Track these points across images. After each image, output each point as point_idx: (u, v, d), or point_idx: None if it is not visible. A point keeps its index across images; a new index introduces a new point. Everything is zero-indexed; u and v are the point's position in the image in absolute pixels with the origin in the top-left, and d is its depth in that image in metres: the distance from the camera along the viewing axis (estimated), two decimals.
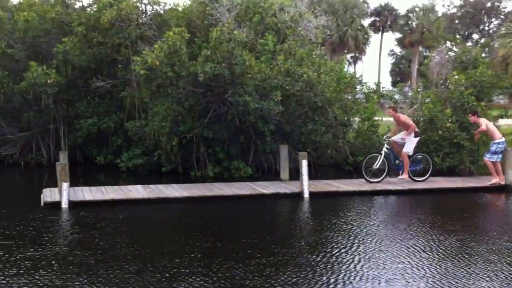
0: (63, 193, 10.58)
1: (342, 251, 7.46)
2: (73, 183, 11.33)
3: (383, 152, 12.82)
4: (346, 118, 15.43)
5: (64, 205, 10.52)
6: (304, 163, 11.59)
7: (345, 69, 17.47)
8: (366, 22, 58.37)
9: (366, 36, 57.03)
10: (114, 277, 6.38)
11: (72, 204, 10.58)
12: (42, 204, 10.82)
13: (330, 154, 15.90)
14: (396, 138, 13.20)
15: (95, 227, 9.08)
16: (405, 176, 12.94)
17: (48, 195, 11.11)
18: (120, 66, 16.59)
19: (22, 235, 8.52)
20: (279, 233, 8.80)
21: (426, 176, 13.10)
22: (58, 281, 6.23)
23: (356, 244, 7.77)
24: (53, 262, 7.03)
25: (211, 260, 6.98)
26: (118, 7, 15.28)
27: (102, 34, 15.69)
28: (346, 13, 52.38)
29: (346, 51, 51.42)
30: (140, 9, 16.15)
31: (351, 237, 8.21)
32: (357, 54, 58.81)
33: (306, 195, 11.40)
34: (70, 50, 15.71)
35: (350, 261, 6.97)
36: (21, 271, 6.57)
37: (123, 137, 16.04)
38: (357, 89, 17.04)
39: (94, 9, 16.86)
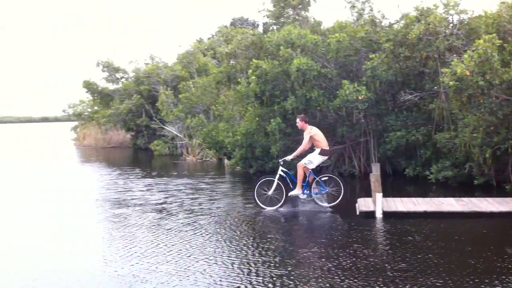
0: (377, 203, 11.20)
1: None
2: (385, 193, 11.86)
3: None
4: None
5: (379, 214, 11.13)
6: None
7: None
8: None
9: None
10: None
11: (386, 214, 11.12)
12: (357, 213, 11.63)
13: None
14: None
15: (406, 238, 9.38)
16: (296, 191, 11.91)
17: (363, 204, 11.88)
18: (427, 78, 16.68)
19: (337, 242, 9.40)
20: None
21: (336, 202, 12.05)
22: None
23: None
24: (363, 270, 7.57)
25: None
26: (426, 21, 15.35)
27: (409, 48, 15.95)
28: None
29: None
30: (448, 19, 15.83)
31: None
32: None
33: None
34: (378, 66, 16.39)
35: None
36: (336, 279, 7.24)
37: (432, 149, 16.01)
38: None
39: (401, 25, 17.31)
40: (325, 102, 17.19)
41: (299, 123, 12.86)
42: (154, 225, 11.16)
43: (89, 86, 39.05)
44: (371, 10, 20.72)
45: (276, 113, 17.95)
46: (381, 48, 16.85)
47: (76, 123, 49.09)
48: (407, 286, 6.88)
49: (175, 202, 13.86)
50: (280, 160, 12.77)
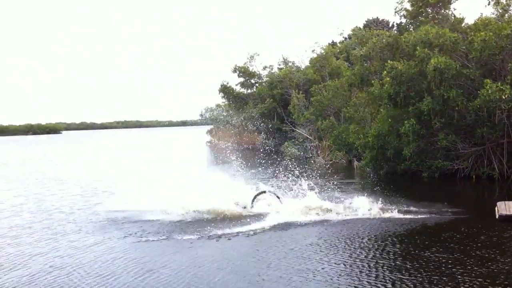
0: None
1: None
2: None
3: None
4: None
5: None
6: None
7: None
8: None
9: None
10: None
11: None
12: (496, 216, 11.04)
13: None
14: None
15: None
16: None
17: (503, 208, 11.24)
18: None
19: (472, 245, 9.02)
20: None
21: None
22: None
23: None
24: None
25: None
26: None
27: None
28: None
29: None
30: None
31: None
32: None
33: None
34: None
35: None
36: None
37: None
38: None
39: None
40: (464, 102, 16.49)
41: None
42: None
43: (225, 90, 41.03)
44: None
45: (410, 115, 17.58)
46: None
47: (211, 126, 51.87)
48: None
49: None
50: None
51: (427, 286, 6.92)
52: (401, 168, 18.37)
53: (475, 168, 17.38)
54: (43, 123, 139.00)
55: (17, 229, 11.48)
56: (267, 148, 37.81)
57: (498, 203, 11.67)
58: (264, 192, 13.57)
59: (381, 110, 20.08)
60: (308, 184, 13.85)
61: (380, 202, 13.03)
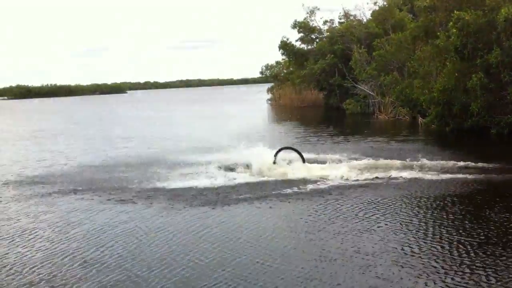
0: None
1: None
2: None
3: None
4: None
5: None
6: None
7: None
8: None
9: None
10: None
11: None
12: None
13: None
14: None
15: None
16: None
17: None
18: None
19: None
20: None
21: None
22: None
23: None
24: None
25: None
26: None
27: None
28: None
29: None
30: None
31: None
32: None
33: None
34: None
35: None
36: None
37: None
38: None
39: None
40: None
41: None
42: None
43: (286, 47, 40.49)
44: None
45: (478, 68, 16.72)
46: None
47: (272, 84, 51.62)
48: None
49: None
50: None
51: (485, 247, 6.68)
52: (468, 124, 17.65)
53: None
54: (109, 82, 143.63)
55: None
56: (328, 105, 37.38)
57: None
58: (288, 148, 13.41)
59: (447, 63, 19.19)
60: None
61: (444, 160, 12.69)
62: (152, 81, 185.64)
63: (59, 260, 6.89)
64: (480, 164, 11.94)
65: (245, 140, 14.11)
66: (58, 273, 6.43)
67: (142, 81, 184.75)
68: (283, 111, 38.98)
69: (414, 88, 22.29)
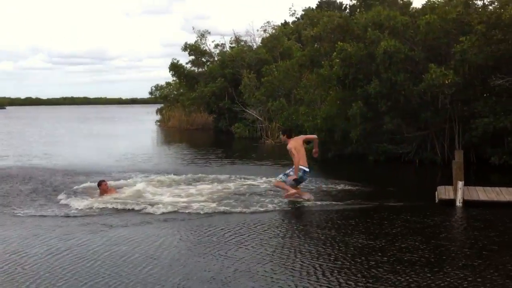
0: (458, 192, 10.68)
1: None
2: (467, 182, 11.27)
3: None
4: None
5: (458, 203, 10.62)
6: None
7: None
8: None
9: None
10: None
11: (466, 203, 10.58)
12: (436, 201, 11.15)
13: None
14: None
15: (483, 228, 8.92)
16: None
17: (443, 192, 11.36)
18: None
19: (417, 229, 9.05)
20: None
21: None
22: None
23: None
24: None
25: None
26: None
27: (503, 31, 15.00)
28: None
29: None
30: None
31: None
32: None
33: None
34: (468, 49, 15.55)
35: None
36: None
37: None
38: None
39: (496, 6, 16.28)
40: (410, 86, 16.59)
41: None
42: None
43: (176, 69, 40.08)
44: None
45: (358, 97, 17.58)
46: (473, 30, 15.93)
47: (162, 105, 50.84)
48: (485, 274, 6.52)
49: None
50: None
51: (348, 271, 6.74)
52: (348, 151, 18.42)
53: (419, 153, 17.56)
54: None
55: None
56: (217, 128, 37.42)
57: (438, 188, 11.82)
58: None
59: (331, 92, 20.03)
60: None
61: (317, 185, 13.14)
62: (34, 97, 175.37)
63: None
64: (351, 191, 12.50)
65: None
66: None
67: (23, 96, 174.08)
68: (172, 132, 38.46)
69: (300, 115, 22.95)
